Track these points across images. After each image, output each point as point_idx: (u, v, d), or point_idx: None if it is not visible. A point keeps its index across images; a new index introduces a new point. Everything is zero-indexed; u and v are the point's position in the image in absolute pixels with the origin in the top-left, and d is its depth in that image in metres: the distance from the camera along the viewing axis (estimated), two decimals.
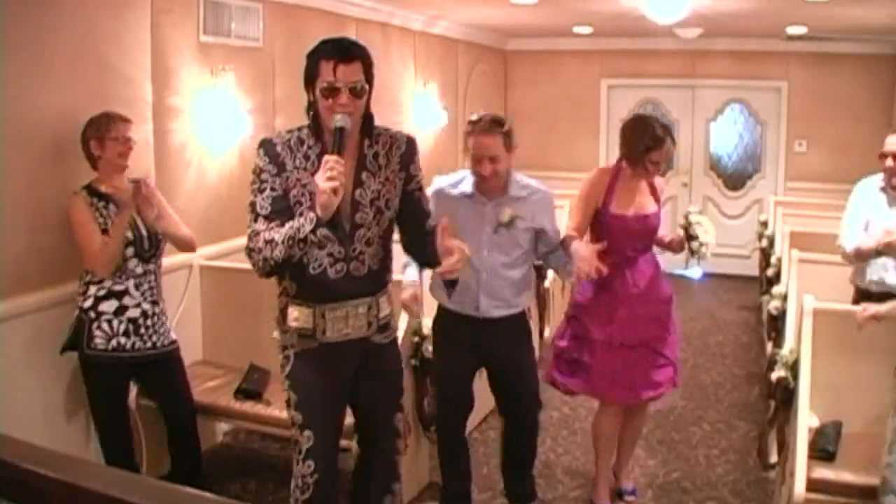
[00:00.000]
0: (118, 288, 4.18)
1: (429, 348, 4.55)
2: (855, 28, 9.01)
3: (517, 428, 4.50)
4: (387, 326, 3.41)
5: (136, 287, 4.23)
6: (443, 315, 4.41)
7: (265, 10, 5.98)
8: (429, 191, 3.93)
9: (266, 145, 3.19)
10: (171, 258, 4.93)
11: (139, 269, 4.24)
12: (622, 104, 11.07)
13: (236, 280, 5.33)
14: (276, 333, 3.37)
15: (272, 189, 3.14)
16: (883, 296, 4.60)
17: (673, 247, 4.51)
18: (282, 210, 3.12)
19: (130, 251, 4.19)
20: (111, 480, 1.52)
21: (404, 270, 4.29)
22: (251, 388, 4.76)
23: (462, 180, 4.27)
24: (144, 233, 4.26)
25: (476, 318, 4.25)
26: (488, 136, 4.11)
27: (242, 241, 5.63)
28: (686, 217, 4.46)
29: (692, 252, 4.40)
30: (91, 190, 4.20)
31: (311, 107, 3.19)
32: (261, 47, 6.00)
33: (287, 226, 3.03)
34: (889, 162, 5.00)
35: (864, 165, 10.18)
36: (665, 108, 11.08)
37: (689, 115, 10.72)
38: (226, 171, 5.69)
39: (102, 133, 4.16)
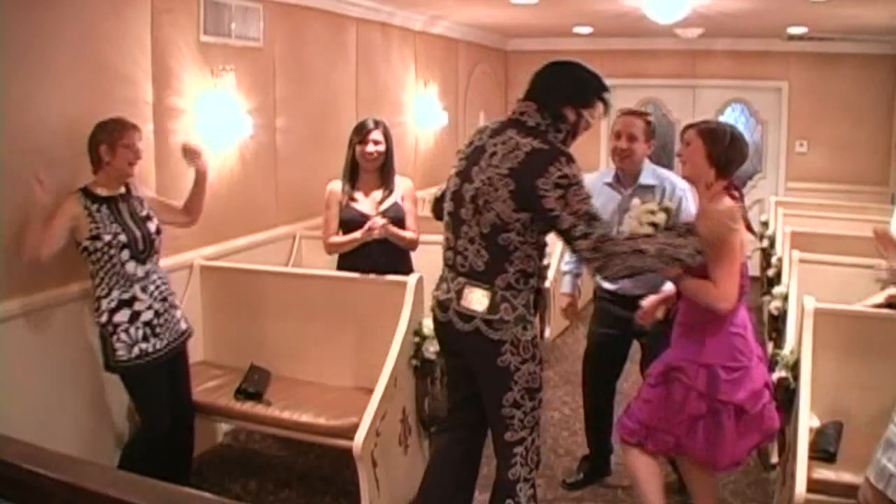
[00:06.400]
0: (126, 296, 4.15)
1: (429, 349, 4.56)
2: (855, 28, 9.02)
3: None
4: None
5: (143, 290, 4.20)
6: (598, 295, 4.91)
7: (265, 10, 5.96)
8: None
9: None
10: (170, 259, 4.95)
11: (139, 272, 4.19)
12: (623, 104, 10.66)
13: (237, 280, 5.34)
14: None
15: None
16: None
17: None
18: None
19: (126, 254, 4.14)
20: (111, 480, 1.52)
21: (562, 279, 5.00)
22: (251, 388, 4.75)
23: (605, 173, 4.83)
24: (138, 234, 4.20)
25: (625, 296, 4.56)
26: (633, 116, 4.67)
27: (243, 241, 5.80)
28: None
29: None
30: (87, 193, 4.15)
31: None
32: (261, 47, 5.98)
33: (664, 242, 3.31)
34: None
35: (865, 166, 10.28)
36: (665, 108, 11.09)
37: (690, 115, 10.67)
38: (226, 171, 5.69)
39: (115, 139, 4.12)
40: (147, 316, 4.20)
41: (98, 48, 4.54)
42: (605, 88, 3.50)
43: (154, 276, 4.28)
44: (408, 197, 5.14)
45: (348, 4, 7.10)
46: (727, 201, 3.60)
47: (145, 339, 4.18)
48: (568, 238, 3.25)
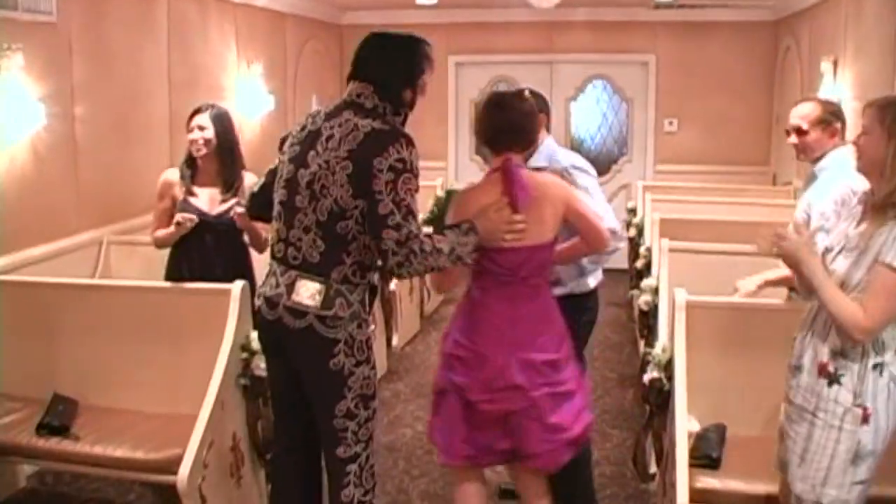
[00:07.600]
0: None
1: (259, 365, 4.50)
2: None
3: None
4: None
5: None
6: None
7: None
8: None
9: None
10: None
11: None
12: (472, 83, 11.16)
13: (33, 296, 5.14)
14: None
15: None
16: None
17: None
18: None
19: None
20: None
21: None
22: (56, 421, 4.59)
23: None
24: None
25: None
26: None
27: (39, 250, 5.68)
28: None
29: None
30: None
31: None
32: (54, 22, 5.77)
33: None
34: (792, 139, 4.46)
35: (743, 144, 10.58)
36: (519, 86, 11.22)
37: (547, 93, 10.77)
38: (17, 170, 5.50)
39: None
40: None
41: None
42: (426, 46, 3.73)
43: None
44: None
45: None
46: (496, 190, 3.73)
47: None
48: (380, 224, 3.36)
